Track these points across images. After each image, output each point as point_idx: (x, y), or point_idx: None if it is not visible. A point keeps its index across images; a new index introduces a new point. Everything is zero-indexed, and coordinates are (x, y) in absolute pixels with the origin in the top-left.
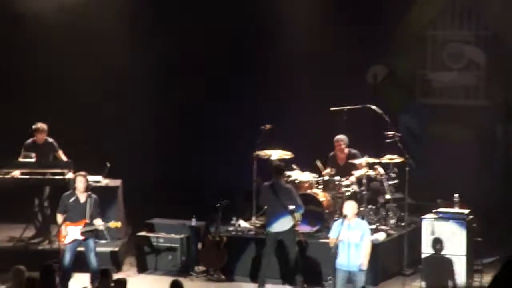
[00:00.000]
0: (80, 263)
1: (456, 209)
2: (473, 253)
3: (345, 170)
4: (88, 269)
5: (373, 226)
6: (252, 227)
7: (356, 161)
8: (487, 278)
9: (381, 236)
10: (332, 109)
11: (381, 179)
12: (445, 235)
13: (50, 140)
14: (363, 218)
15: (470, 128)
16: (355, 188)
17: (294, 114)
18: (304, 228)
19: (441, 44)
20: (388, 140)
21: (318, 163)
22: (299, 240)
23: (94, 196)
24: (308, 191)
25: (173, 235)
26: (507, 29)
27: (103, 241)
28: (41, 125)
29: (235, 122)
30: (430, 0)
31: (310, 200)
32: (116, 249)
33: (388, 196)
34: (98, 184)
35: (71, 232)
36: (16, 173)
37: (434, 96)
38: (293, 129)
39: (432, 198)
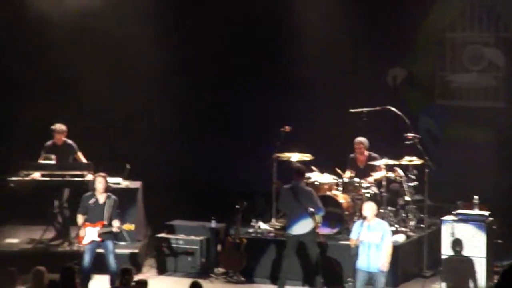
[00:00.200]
0: (100, 264)
1: (476, 211)
2: (493, 255)
3: (365, 172)
4: (108, 270)
5: (393, 228)
6: (272, 229)
7: (376, 163)
8: None
9: (400, 238)
10: (351, 110)
11: (400, 181)
12: (465, 237)
13: (70, 141)
14: (383, 220)
15: (489, 130)
16: (374, 190)
17: (313, 116)
18: (324, 230)
19: (461, 46)
20: (407, 142)
21: (338, 170)
22: (319, 241)
23: (113, 197)
24: (328, 193)
25: (192, 237)
26: None
27: (123, 243)
28: (59, 126)
29: (255, 124)
30: (450, 2)
31: (330, 202)
32: (136, 250)
33: (407, 198)
34: (118, 186)
35: (89, 233)
36: (36, 175)
37: (453, 98)
38: (312, 131)
39: (451, 200)
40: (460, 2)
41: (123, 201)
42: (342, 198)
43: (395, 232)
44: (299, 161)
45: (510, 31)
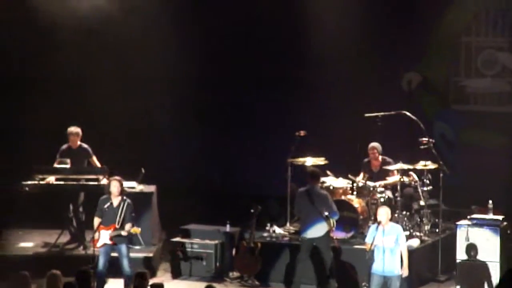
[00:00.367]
0: (115, 268)
1: (490, 216)
2: (507, 259)
3: (379, 177)
4: (122, 274)
5: (407, 233)
6: (286, 233)
7: (390, 167)
8: None
9: (415, 243)
10: (366, 115)
11: (415, 185)
12: (480, 241)
13: (85, 146)
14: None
15: (504, 134)
16: (389, 194)
17: (328, 120)
18: (339, 234)
19: (475, 50)
20: (422, 147)
21: (350, 176)
22: (333, 246)
23: (128, 201)
24: (343, 197)
25: (207, 241)
26: None
27: (137, 247)
28: (74, 129)
29: (270, 128)
30: (464, 7)
31: (345, 206)
32: (151, 254)
33: (422, 203)
34: (133, 190)
35: (102, 236)
36: (51, 179)
37: (468, 102)
38: (327, 135)
39: (466, 205)
40: (475, 7)
41: (137, 205)
42: (357, 202)
43: (409, 237)
44: (313, 165)
45: None
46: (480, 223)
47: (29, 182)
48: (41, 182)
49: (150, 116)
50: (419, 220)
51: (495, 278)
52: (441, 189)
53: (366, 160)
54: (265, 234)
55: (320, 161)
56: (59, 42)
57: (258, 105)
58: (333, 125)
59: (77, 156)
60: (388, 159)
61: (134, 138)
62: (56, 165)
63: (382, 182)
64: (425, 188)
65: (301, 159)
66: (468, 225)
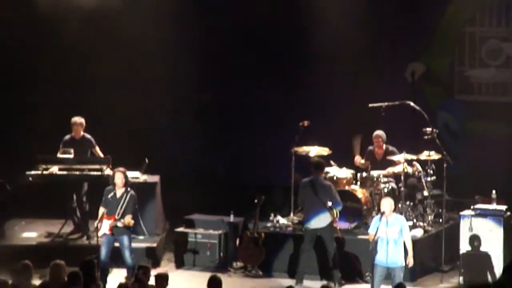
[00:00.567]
0: (118, 258)
1: (494, 206)
2: (510, 249)
3: (382, 165)
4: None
5: (411, 223)
6: (290, 223)
7: (394, 158)
8: None
9: (418, 233)
10: (370, 105)
11: (419, 175)
12: (483, 231)
13: (88, 136)
14: (401, 215)
15: (508, 125)
16: (392, 184)
17: (332, 110)
18: (342, 225)
19: (479, 41)
20: (426, 137)
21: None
22: (337, 236)
23: (131, 192)
24: (346, 188)
25: (211, 231)
26: None
27: (141, 237)
28: (78, 119)
29: (274, 118)
30: None
31: (348, 196)
32: (154, 244)
33: (426, 193)
34: (136, 180)
35: (103, 226)
36: (55, 169)
37: (472, 93)
38: (331, 125)
39: (469, 195)
40: None
41: (141, 195)
42: (361, 192)
43: (413, 227)
44: (317, 156)
45: None
46: (484, 214)
47: (33, 172)
48: (45, 172)
49: (154, 107)
50: (422, 210)
51: (498, 268)
52: (444, 179)
53: (370, 148)
54: (269, 224)
55: (324, 151)
56: (64, 33)
57: (262, 95)
58: (337, 115)
59: (80, 146)
60: (392, 148)
61: (137, 128)
62: (59, 155)
63: (387, 171)
64: (428, 178)
65: (305, 149)
66: (472, 215)
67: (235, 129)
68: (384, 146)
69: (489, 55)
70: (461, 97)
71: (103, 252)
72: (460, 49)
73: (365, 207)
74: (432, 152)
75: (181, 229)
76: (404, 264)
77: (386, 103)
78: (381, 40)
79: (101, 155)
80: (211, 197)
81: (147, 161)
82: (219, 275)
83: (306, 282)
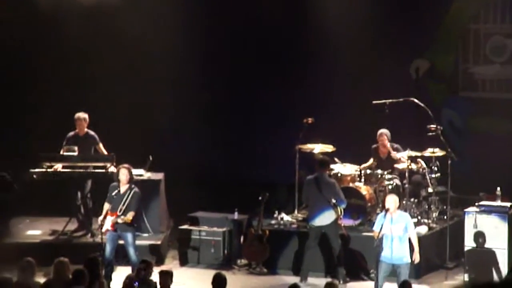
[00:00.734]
0: (124, 256)
1: (498, 202)
2: None
3: (387, 163)
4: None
5: (415, 220)
6: (294, 220)
7: (398, 155)
8: None
9: (423, 230)
10: (374, 102)
11: (423, 172)
12: (488, 228)
13: (92, 133)
14: (405, 212)
15: None
16: (397, 181)
17: (336, 107)
18: (347, 222)
19: (483, 37)
20: (430, 134)
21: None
22: (341, 233)
23: (135, 189)
24: (351, 185)
25: (215, 229)
26: None
27: (145, 234)
28: (81, 114)
29: (277, 115)
30: None
31: (353, 193)
32: (159, 242)
33: (430, 190)
34: (140, 178)
35: (106, 222)
36: (58, 167)
37: (476, 89)
38: (335, 122)
39: (474, 191)
40: None
41: (145, 192)
42: (365, 189)
43: (417, 224)
44: (321, 153)
45: None
46: (488, 210)
47: (37, 170)
48: (49, 170)
49: (158, 104)
50: (427, 207)
51: (503, 265)
52: (449, 176)
53: (374, 146)
54: (273, 222)
55: (328, 148)
56: (65, 31)
57: (266, 91)
58: (341, 112)
59: (84, 143)
60: (396, 145)
61: (141, 125)
62: (63, 153)
63: (395, 170)
64: (433, 175)
65: (309, 146)
66: (476, 212)
67: (239, 127)
68: (389, 144)
69: (493, 51)
70: (465, 94)
71: (108, 249)
72: (465, 46)
73: (369, 204)
74: (437, 149)
75: (185, 226)
76: (409, 261)
77: (390, 100)
78: (385, 37)
79: (105, 152)
80: (215, 195)
81: (151, 158)
82: (224, 272)
83: (310, 279)
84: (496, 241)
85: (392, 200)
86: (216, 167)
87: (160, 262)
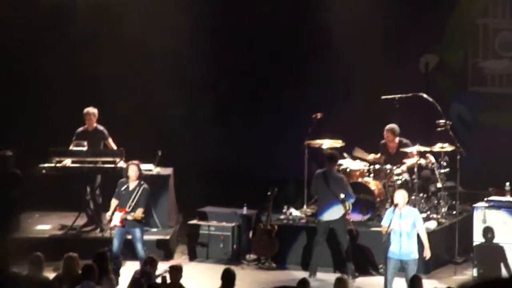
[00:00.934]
0: (132, 251)
1: (508, 198)
2: None
3: (396, 158)
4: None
5: (424, 215)
6: (303, 215)
7: (407, 150)
8: None
9: (432, 225)
10: (383, 97)
11: (432, 167)
12: (497, 223)
13: (101, 128)
14: (414, 207)
15: None
16: (406, 176)
17: (345, 102)
18: (355, 217)
19: (492, 32)
20: (439, 129)
21: (358, 151)
22: (350, 228)
23: (144, 186)
24: (359, 180)
25: (224, 224)
26: None
27: (154, 229)
28: (91, 109)
29: (287, 110)
30: None
31: (361, 188)
32: (168, 237)
33: (439, 185)
34: (149, 173)
35: (115, 218)
36: (68, 162)
37: (485, 84)
38: (344, 117)
39: (483, 187)
40: None
41: (154, 187)
42: (374, 185)
43: (426, 219)
44: (330, 148)
45: None
46: (497, 205)
47: (46, 165)
48: (58, 165)
49: (168, 100)
50: (436, 202)
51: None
52: (458, 171)
53: (383, 141)
54: (282, 217)
55: (337, 143)
56: (72, 28)
57: (274, 87)
58: (350, 107)
59: (93, 138)
60: (405, 141)
61: (150, 120)
62: (72, 148)
63: (403, 167)
64: (442, 170)
65: (318, 142)
66: (485, 207)
67: (248, 121)
68: (397, 139)
69: (502, 46)
70: (474, 89)
71: (115, 244)
72: (474, 41)
73: (378, 199)
74: (446, 144)
75: (194, 221)
76: (417, 257)
77: (399, 95)
78: (395, 32)
79: (114, 146)
80: (224, 190)
81: (160, 153)
82: (232, 267)
83: (319, 274)
84: (505, 236)
85: (401, 195)
86: (225, 162)
87: (169, 257)
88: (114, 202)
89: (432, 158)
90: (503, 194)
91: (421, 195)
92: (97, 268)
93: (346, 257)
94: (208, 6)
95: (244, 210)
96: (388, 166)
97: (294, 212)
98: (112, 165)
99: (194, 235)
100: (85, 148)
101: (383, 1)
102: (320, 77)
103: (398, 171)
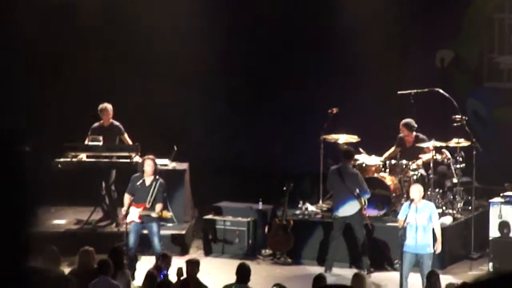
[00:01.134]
0: (148, 246)
1: None
2: None
3: (412, 153)
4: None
5: (440, 210)
6: (319, 210)
7: (423, 145)
8: None
9: (448, 220)
10: (399, 92)
11: (448, 162)
12: None
13: (116, 123)
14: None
15: None
16: (422, 172)
17: (361, 98)
18: (371, 212)
19: (508, 27)
20: (455, 124)
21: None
22: (366, 223)
23: (160, 180)
24: (375, 175)
25: (240, 219)
26: None
27: (170, 224)
28: (106, 105)
29: (302, 105)
30: None
31: (377, 183)
32: (183, 232)
33: (455, 180)
34: (165, 168)
35: (131, 213)
36: (83, 157)
37: (501, 79)
38: (360, 113)
39: (499, 182)
40: None
41: (170, 182)
42: (390, 180)
43: (442, 214)
44: (346, 143)
45: None
46: None
47: (62, 160)
48: (73, 160)
49: (183, 94)
50: (452, 197)
51: None
52: (474, 166)
53: (400, 135)
54: (298, 212)
55: (353, 138)
56: (81, 19)
57: (290, 81)
58: (366, 102)
59: (109, 133)
60: (422, 136)
61: (166, 115)
62: (88, 143)
63: (419, 161)
64: (458, 166)
65: (333, 137)
66: (501, 202)
67: (264, 117)
68: (414, 134)
69: None
70: (490, 84)
71: (132, 239)
72: (489, 36)
73: (394, 194)
74: (461, 139)
75: (209, 216)
76: (432, 251)
77: (415, 90)
78: (411, 28)
79: (130, 142)
80: (239, 185)
81: (176, 148)
82: (248, 262)
83: (335, 270)
84: None
85: (416, 190)
86: (241, 157)
87: (184, 252)
88: (127, 197)
89: (448, 154)
90: None
91: (436, 190)
92: (113, 263)
93: (362, 252)
94: None
95: (260, 205)
96: (404, 161)
97: (310, 207)
98: (128, 160)
99: (210, 230)
100: (100, 143)
101: None
102: (336, 71)
103: (414, 166)
